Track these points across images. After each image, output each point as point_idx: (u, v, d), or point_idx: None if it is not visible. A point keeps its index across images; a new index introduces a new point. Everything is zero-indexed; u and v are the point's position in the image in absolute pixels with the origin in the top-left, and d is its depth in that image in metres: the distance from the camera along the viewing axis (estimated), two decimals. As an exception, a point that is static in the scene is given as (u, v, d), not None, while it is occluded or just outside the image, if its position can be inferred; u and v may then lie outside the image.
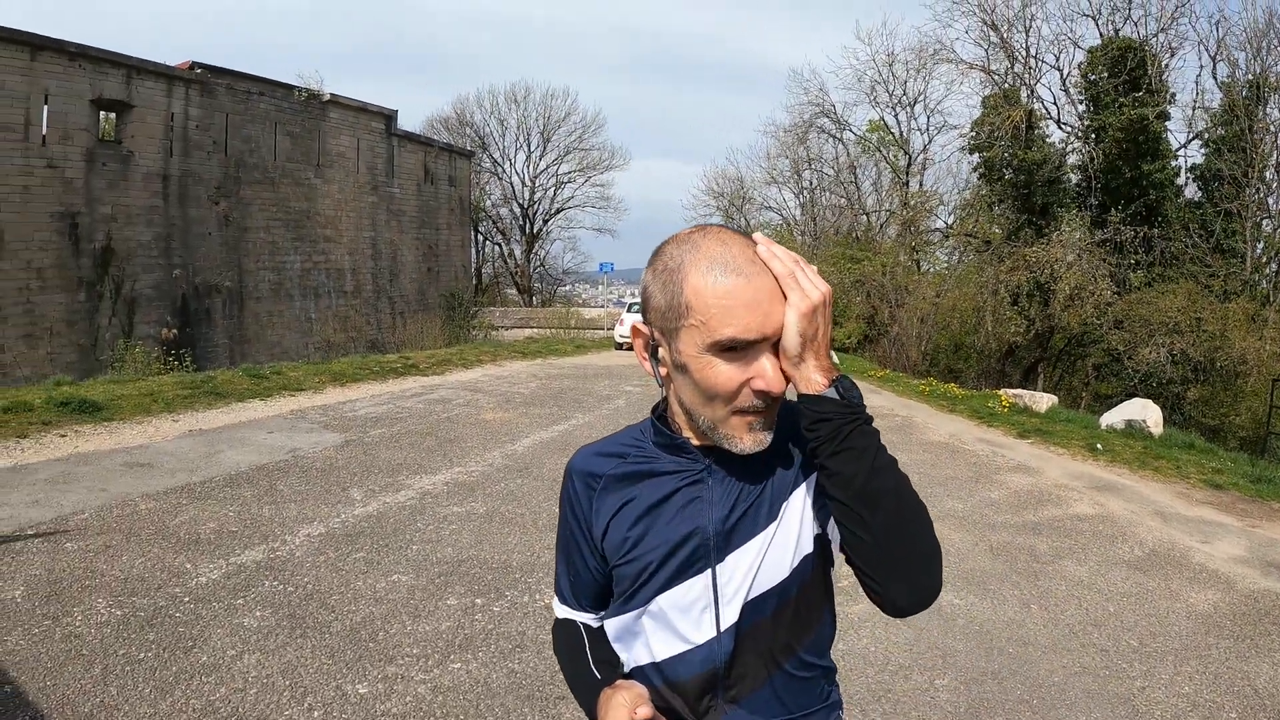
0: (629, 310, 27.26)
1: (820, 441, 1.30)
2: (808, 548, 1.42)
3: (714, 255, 1.28)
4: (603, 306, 39.18)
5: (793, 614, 1.43)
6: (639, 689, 1.44)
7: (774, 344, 1.28)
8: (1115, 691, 4.29)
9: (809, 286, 1.28)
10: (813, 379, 1.29)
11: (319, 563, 5.66)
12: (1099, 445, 11.33)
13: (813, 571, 1.44)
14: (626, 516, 1.45)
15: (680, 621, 1.43)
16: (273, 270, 28.61)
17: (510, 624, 4.80)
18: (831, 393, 1.29)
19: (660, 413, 1.50)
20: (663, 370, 1.40)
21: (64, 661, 4.11)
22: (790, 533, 1.41)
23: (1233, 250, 25.42)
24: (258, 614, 4.76)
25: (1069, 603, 5.56)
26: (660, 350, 1.38)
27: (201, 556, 5.65)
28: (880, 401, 15.59)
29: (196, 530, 6.22)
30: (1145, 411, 12.75)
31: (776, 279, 1.28)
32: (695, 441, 1.43)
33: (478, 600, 5.13)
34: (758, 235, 1.35)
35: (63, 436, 9.01)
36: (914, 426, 12.78)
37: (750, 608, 1.40)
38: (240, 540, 6.04)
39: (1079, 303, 24.74)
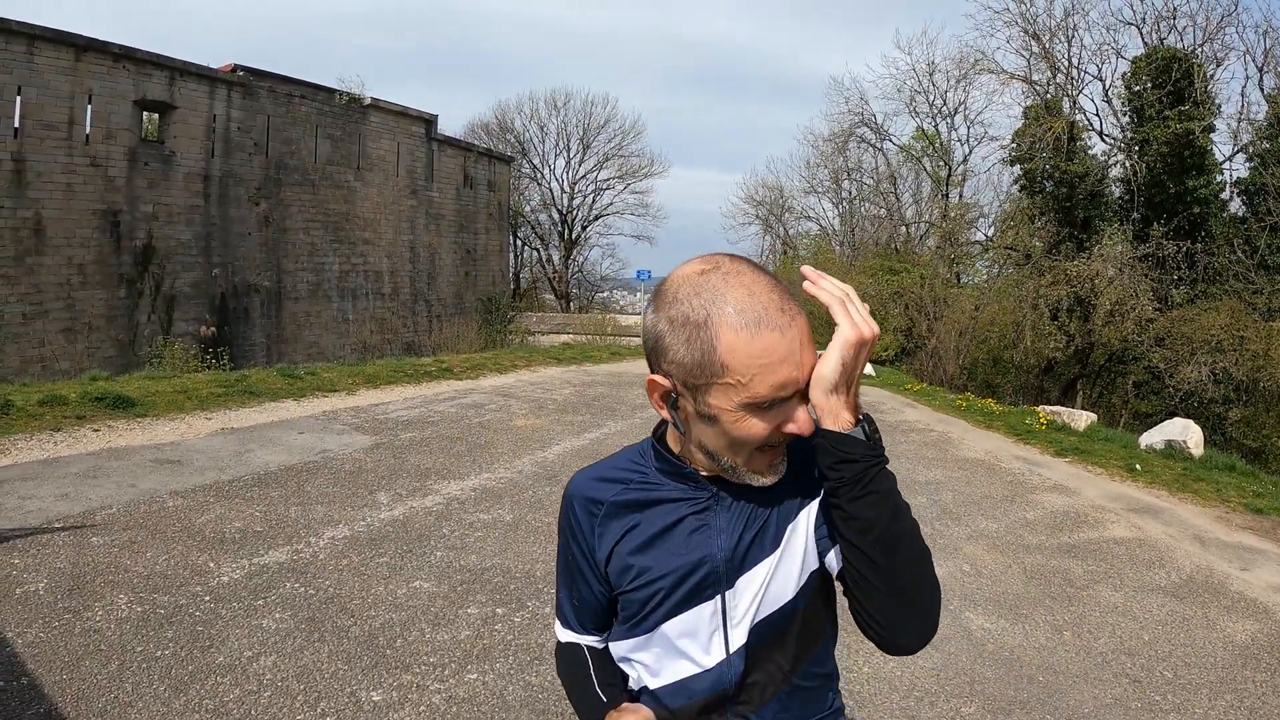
0: None
1: (843, 484, 1.30)
2: (813, 565, 1.45)
3: (744, 308, 1.25)
4: (640, 313, 39.11)
5: (799, 630, 1.46)
6: (645, 711, 1.46)
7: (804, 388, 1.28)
8: (1147, 724, 4.17)
9: (860, 320, 1.27)
10: (841, 415, 1.28)
11: (341, 566, 5.65)
12: (1138, 465, 11.12)
13: (817, 588, 1.46)
14: (631, 543, 1.46)
15: (690, 646, 1.45)
16: (311, 271, 28.84)
17: (531, 635, 4.75)
18: (858, 433, 1.29)
19: (660, 435, 1.52)
20: (683, 418, 1.38)
21: (82, 656, 4.13)
22: (796, 555, 1.43)
23: (1278, 267, 24.92)
24: (277, 615, 4.76)
25: (1102, 630, 5.42)
26: (681, 401, 1.35)
27: (225, 555, 5.66)
28: (916, 416, 15.41)
29: (222, 529, 6.23)
30: (1186, 432, 12.50)
31: (807, 317, 1.28)
32: (703, 471, 1.43)
33: (499, 610, 5.08)
34: (805, 269, 1.32)
35: (96, 431, 9.07)
36: (950, 442, 12.60)
37: (759, 629, 1.43)
38: (265, 540, 6.04)
39: (1119, 318, 24.34)
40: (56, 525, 6.01)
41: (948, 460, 11.07)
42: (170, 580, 5.14)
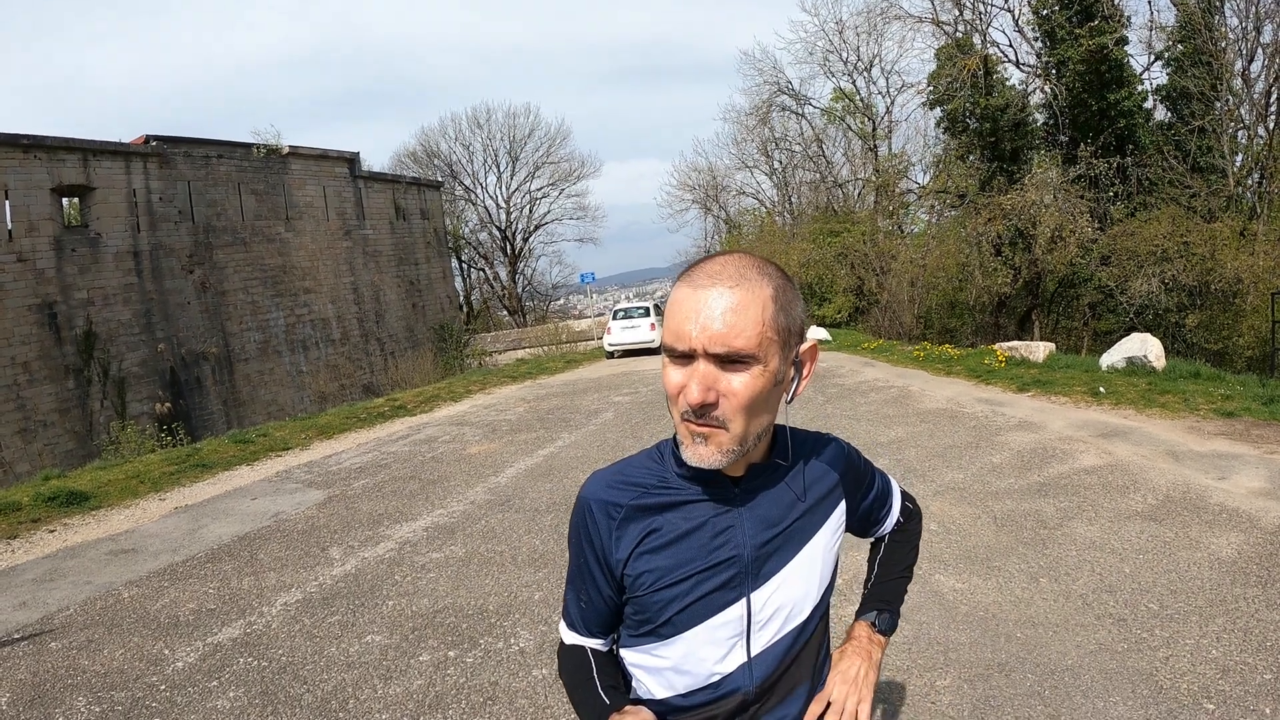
0: (615, 318, 26.91)
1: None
2: (827, 577, 1.57)
3: (695, 267, 1.37)
4: (597, 315, 38.92)
5: (813, 634, 1.56)
6: (646, 713, 1.45)
7: (720, 356, 1.30)
8: (1135, 667, 3.95)
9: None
10: (874, 652, 1.68)
11: (294, 632, 5.44)
12: (1101, 388, 11.00)
13: (828, 598, 1.60)
14: (651, 545, 1.48)
15: (711, 651, 1.49)
16: (257, 329, 28.42)
17: (482, 675, 4.57)
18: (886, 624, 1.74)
19: (679, 439, 1.50)
20: None
21: (44, 765, 3.88)
22: (815, 565, 1.53)
23: (1211, 167, 25.02)
24: (231, 694, 4.58)
25: (1080, 570, 5.22)
26: None
27: (180, 640, 5.46)
28: (875, 374, 15.28)
29: (176, 613, 6.01)
30: (1145, 346, 12.42)
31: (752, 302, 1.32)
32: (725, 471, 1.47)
33: (451, 653, 4.89)
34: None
35: (51, 532, 8.79)
36: (910, 396, 12.45)
37: (781, 635, 1.51)
38: (218, 618, 5.82)
39: (1062, 244, 24.36)
40: (16, 636, 5.81)
41: (909, 415, 10.90)
42: (126, 675, 4.95)
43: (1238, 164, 25.02)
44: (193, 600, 6.25)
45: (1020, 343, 15.80)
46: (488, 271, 57.03)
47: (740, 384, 1.31)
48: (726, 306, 1.29)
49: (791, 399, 1.45)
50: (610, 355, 25.99)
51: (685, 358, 1.32)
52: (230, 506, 9.32)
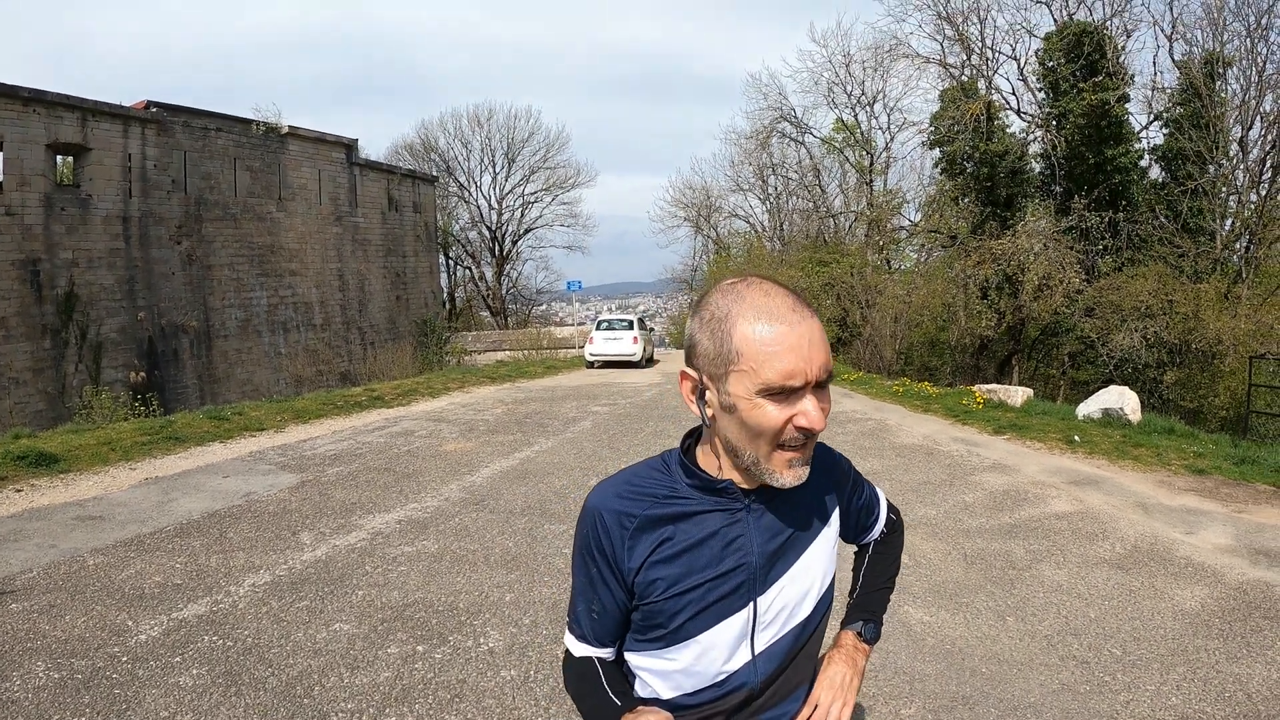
0: (599, 328, 26.90)
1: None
2: (828, 578, 1.62)
3: (759, 305, 1.38)
4: (579, 324, 38.89)
5: (814, 632, 1.63)
6: (664, 713, 1.48)
7: (820, 384, 1.38)
8: (1097, 709, 4.00)
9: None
10: (858, 660, 1.76)
11: (261, 614, 5.37)
12: (1076, 437, 11.10)
13: (828, 599, 1.65)
14: (664, 554, 1.51)
15: (719, 653, 1.53)
16: (239, 307, 28.27)
17: (451, 672, 4.52)
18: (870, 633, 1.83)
19: (689, 450, 1.61)
20: (709, 411, 1.47)
21: (-3, 729, 3.85)
22: (815, 568, 1.59)
23: (1201, 229, 25.31)
24: (194, 672, 4.49)
25: (1047, 611, 5.27)
26: (708, 393, 1.46)
27: (144, 613, 5.37)
28: (854, 405, 15.35)
29: (141, 585, 5.91)
30: (1122, 399, 12.53)
31: (821, 323, 1.40)
32: (738, 481, 1.52)
33: (419, 648, 4.83)
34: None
35: (18, 491, 8.65)
36: (887, 430, 12.52)
37: (783, 634, 1.57)
38: (184, 594, 5.73)
39: (1048, 292, 24.58)
40: (-24, 593, 5.69)
41: (885, 449, 10.96)
42: (88, 643, 4.87)
43: (1227, 227, 25.32)
44: (159, 573, 6.16)
45: (999, 386, 15.91)
46: (474, 270, 56.97)
47: (827, 403, 1.41)
48: (821, 336, 1.37)
49: None
50: (590, 365, 25.96)
51: (791, 392, 1.36)
52: (202, 482, 9.23)
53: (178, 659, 4.67)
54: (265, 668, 4.57)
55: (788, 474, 1.42)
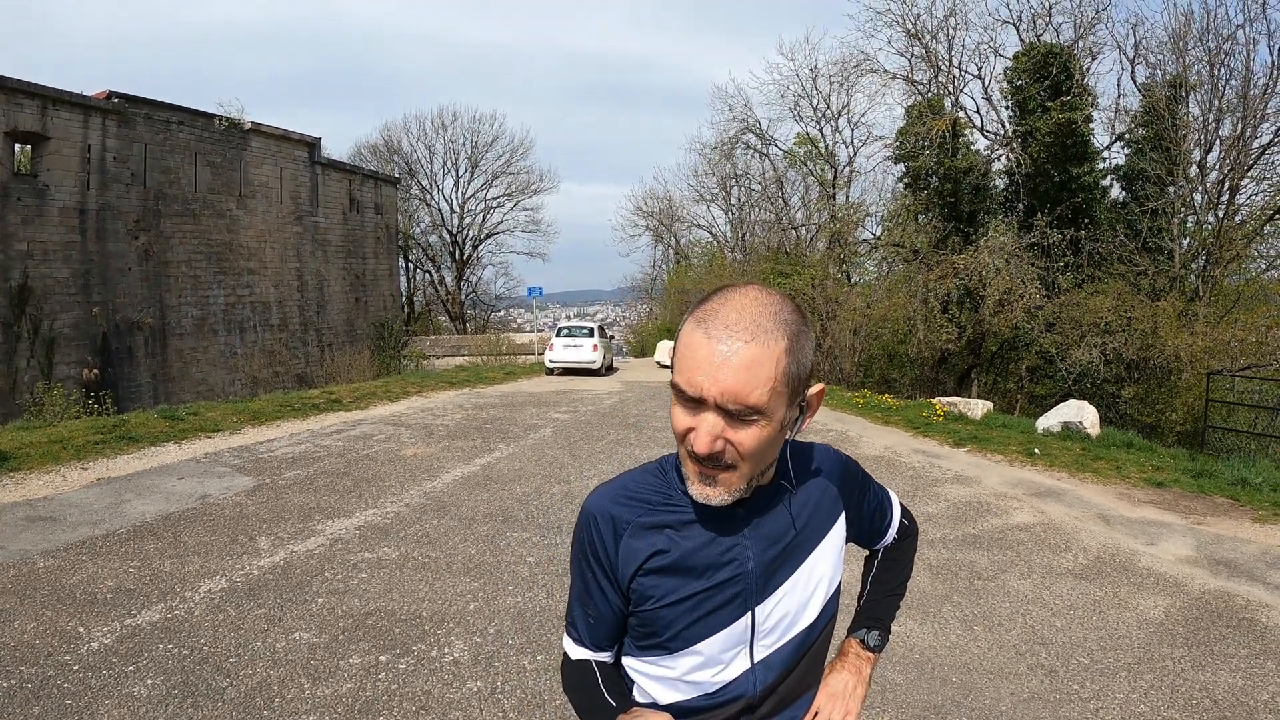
0: (559, 335, 26.91)
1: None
2: (834, 585, 1.59)
3: (709, 308, 1.35)
4: (538, 331, 38.81)
5: (817, 642, 1.59)
6: (663, 714, 1.45)
7: (728, 411, 1.31)
8: (1068, 717, 4.01)
9: None
10: (865, 669, 1.75)
11: (218, 621, 5.23)
12: (1036, 450, 11.18)
13: (833, 606, 1.62)
14: (659, 563, 1.49)
15: (717, 662, 1.51)
16: (196, 305, 27.82)
17: (415, 683, 4.42)
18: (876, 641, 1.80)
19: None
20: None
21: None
22: (818, 575, 1.55)
23: (1159, 248, 25.71)
24: (149, 682, 4.36)
25: (1014, 621, 5.28)
26: None
27: (96, 619, 5.22)
28: (815, 417, 15.36)
29: (93, 589, 5.75)
30: (1082, 413, 12.66)
31: (777, 360, 1.31)
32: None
33: (382, 658, 4.73)
34: None
35: (-35, 490, 8.43)
36: (849, 441, 12.55)
37: (783, 643, 1.54)
38: (137, 599, 5.58)
39: (1009, 307, 24.83)
40: (-84, 598, 5.51)
41: (850, 458, 10.95)
42: (38, 650, 4.72)
43: (1184, 247, 25.73)
44: (111, 578, 6.02)
45: (959, 398, 16.03)
46: (434, 274, 56.69)
47: (747, 435, 1.33)
48: (740, 363, 1.28)
49: (792, 436, 1.49)
50: (550, 372, 25.92)
51: (694, 402, 1.32)
52: (155, 484, 9.03)
53: (131, 668, 4.54)
54: (223, 678, 4.45)
55: (695, 488, 1.40)
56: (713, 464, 1.35)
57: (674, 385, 1.35)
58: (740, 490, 1.40)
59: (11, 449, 9.87)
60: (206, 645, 4.86)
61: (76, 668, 4.52)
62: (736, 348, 1.28)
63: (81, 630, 5.04)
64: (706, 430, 1.31)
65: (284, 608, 5.50)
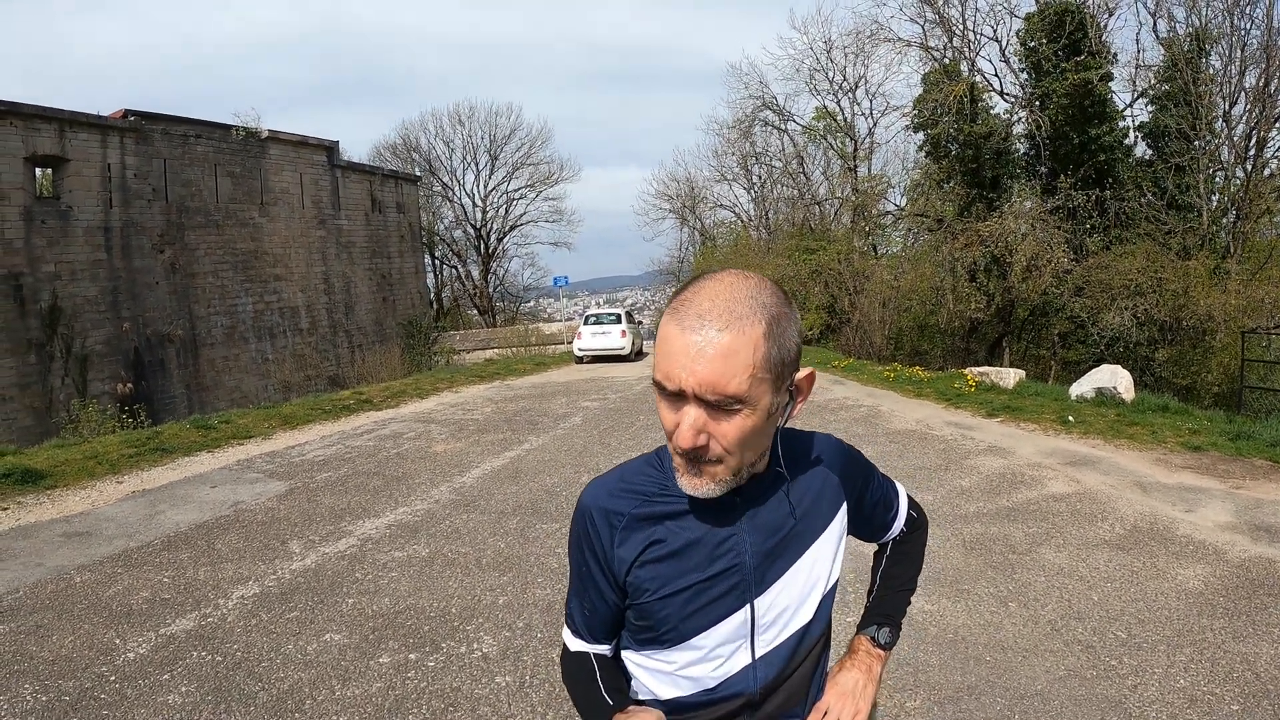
0: (586, 323, 26.86)
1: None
2: (833, 580, 1.57)
3: (684, 299, 1.32)
4: (567, 320, 38.82)
5: (819, 637, 1.58)
6: (657, 713, 1.44)
7: (710, 402, 1.28)
8: (1105, 694, 3.92)
9: None
10: (875, 668, 1.69)
11: (251, 626, 5.27)
12: (1070, 417, 11.04)
13: (831, 600, 1.59)
14: (655, 554, 1.48)
15: (716, 656, 1.49)
16: (225, 314, 28.09)
17: (444, 680, 4.42)
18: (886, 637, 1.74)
19: None
20: None
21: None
22: (818, 569, 1.53)
23: (1188, 205, 25.24)
24: (183, 689, 4.40)
25: (1049, 596, 5.20)
26: None
27: (132, 629, 5.27)
28: (845, 392, 15.29)
29: (129, 601, 5.81)
30: (1115, 378, 12.49)
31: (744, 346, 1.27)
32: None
33: (412, 656, 4.74)
34: None
35: (4, 509, 8.52)
36: (880, 416, 12.45)
37: (784, 638, 1.52)
38: (172, 608, 5.63)
39: (1037, 273, 24.50)
40: (-39, 618, 5.60)
41: (878, 435, 10.90)
42: (76, 663, 4.78)
43: (1214, 203, 25.25)
44: (146, 589, 6.07)
45: (990, 368, 15.86)
46: (460, 269, 56.77)
47: (731, 426, 1.30)
48: (715, 352, 1.25)
49: (784, 423, 1.44)
50: (579, 360, 25.91)
51: (675, 396, 1.30)
52: (189, 493, 9.12)
53: (166, 676, 4.58)
54: (255, 682, 4.48)
55: (684, 480, 1.38)
56: (698, 457, 1.33)
57: (654, 381, 1.33)
58: (728, 481, 1.37)
59: (47, 467, 9.99)
60: (239, 651, 4.90)
61: (113, 678, 4.57)
62: (711, 336, 1.26)
63: (118, 642, 5.09)
64: (689, 424, 1.29)
65: (315, 610, 5.54)
